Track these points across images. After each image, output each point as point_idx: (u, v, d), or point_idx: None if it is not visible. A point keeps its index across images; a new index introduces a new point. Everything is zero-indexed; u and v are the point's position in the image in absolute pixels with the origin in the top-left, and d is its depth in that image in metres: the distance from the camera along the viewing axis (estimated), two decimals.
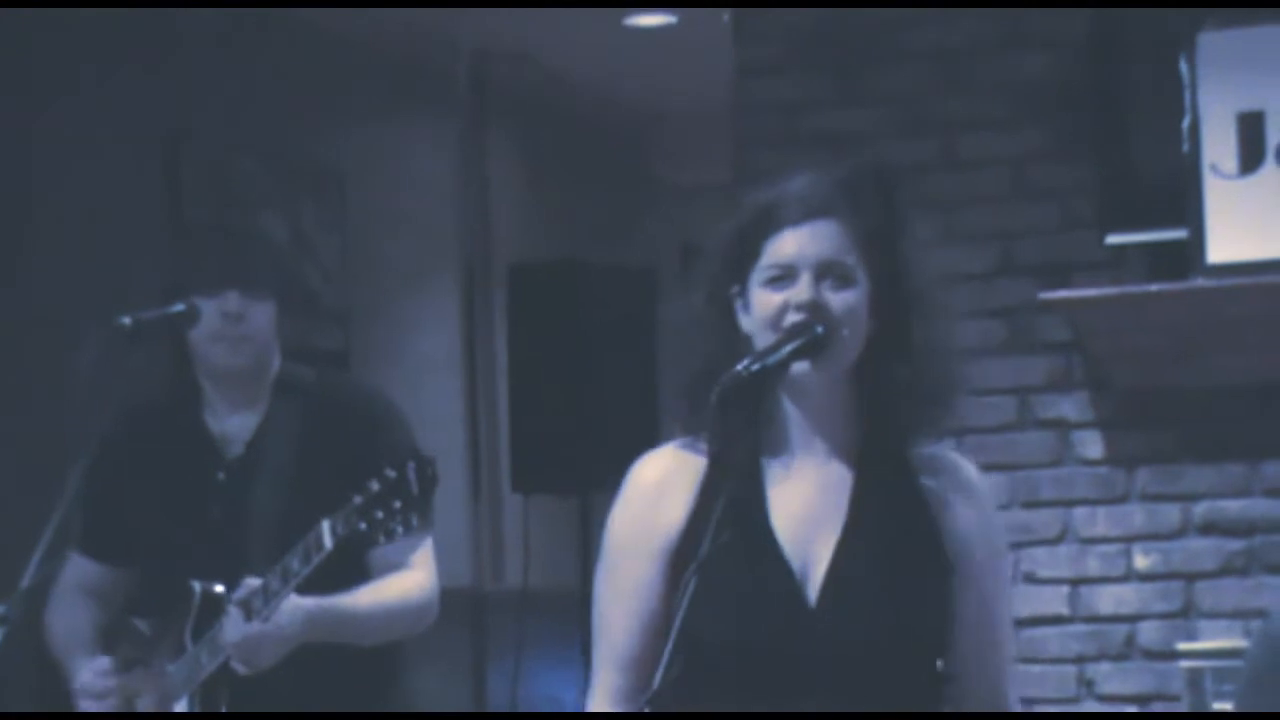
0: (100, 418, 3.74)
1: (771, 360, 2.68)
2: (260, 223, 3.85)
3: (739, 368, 2.67)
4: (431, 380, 7.16)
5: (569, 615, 6.50)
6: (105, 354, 3.56)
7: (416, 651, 3.82)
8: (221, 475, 3.71)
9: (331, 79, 6.89)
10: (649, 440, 6.66)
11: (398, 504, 3.33)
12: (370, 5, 6.48)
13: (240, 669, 3.50)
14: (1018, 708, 2.85)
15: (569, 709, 6.68)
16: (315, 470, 3.66)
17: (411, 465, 3.33)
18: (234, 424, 3.73)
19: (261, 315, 3.69)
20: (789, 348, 2.70)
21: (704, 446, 2.79)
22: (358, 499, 3.35)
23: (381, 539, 3.38)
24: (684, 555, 2.73)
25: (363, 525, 3.35)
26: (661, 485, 2.82)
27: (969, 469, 2.85)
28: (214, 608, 3.60)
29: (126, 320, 3.59)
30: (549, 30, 6.94)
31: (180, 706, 3.65)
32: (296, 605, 3.46)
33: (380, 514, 3.33)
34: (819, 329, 2.71)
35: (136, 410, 3.82)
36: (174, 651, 3.67)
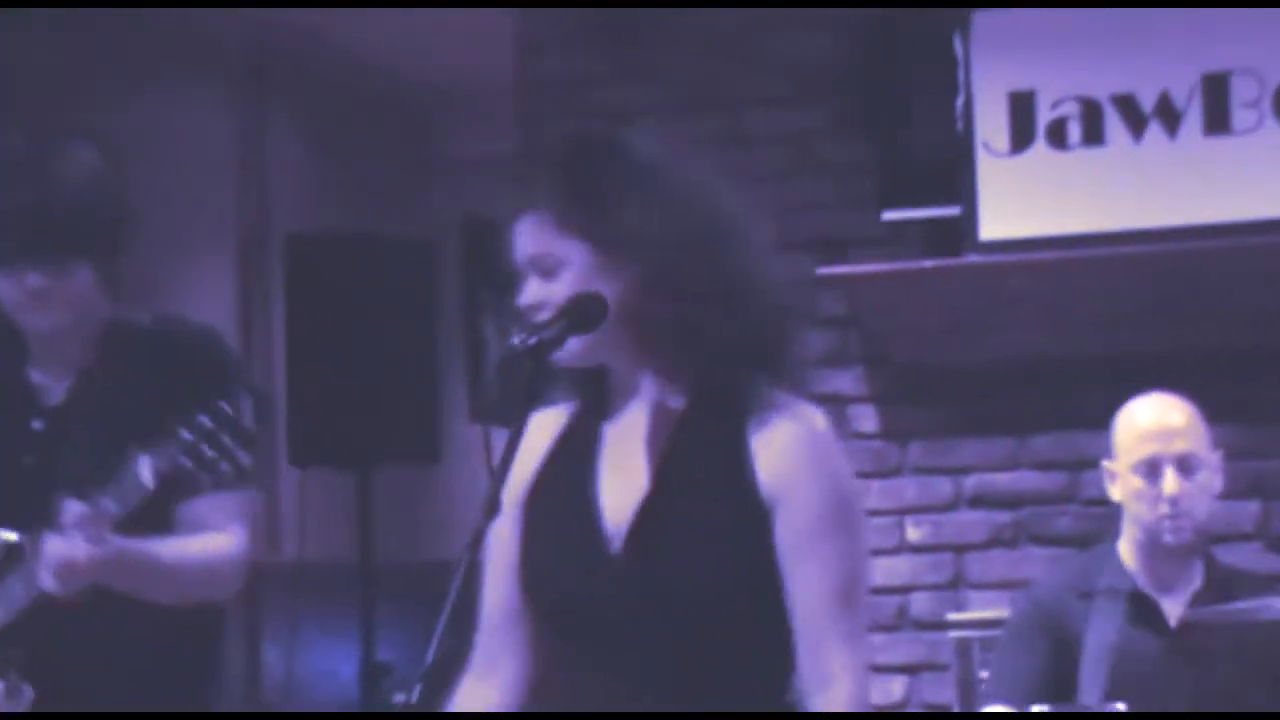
0: None
1: (547, 334, 2.73)
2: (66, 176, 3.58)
3: (515, 340, 2.73)
4: None
5: (346, 589, 6.49)
6: None
7: None
8: (38, 424, 3.60)
9: (107, 48, 6.79)
10: (428, 414, 6.67)
11: (227, 439, 3.17)
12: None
13: (52, 586, 3.35)
14: (861, 634, 2.82)
15: (346, 683, 6.65)
16: (142, 411, 3.48)
17: (247, 397, 3.19)
18: (57, 373, 3.62)
19: (75, 284, 3.53)
20: (561, 324, 2.74)
21: (565, 403, 2.87)
22: (184, 433, 3.18)
23: (206, 478, 3.20)
24: (531, 507, 2.83)
25: (186, 461, 3.19)
26: (531, 440, 2.84)
27: (798, 413, 2.81)
28: (10, 557, 3.48)
29: None
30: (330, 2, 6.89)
31: None
32: (110, 536, 3.33)
33: (208, 450, 3.16)
34: (593, 306, 2.75)
35: None
36: None
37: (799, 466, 2.78)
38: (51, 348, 3.62)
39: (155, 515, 3.43)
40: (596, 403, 2.87)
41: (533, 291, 2.81)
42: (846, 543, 2.80)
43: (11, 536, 3.48)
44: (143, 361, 3.57)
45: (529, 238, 2.82)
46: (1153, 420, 4.33)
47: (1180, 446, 4.28)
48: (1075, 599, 4.37)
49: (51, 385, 3.63)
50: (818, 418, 2.82)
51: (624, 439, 2.85)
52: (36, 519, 3.46)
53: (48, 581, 3.34)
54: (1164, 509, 4.27)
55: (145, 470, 3.25)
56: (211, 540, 3.52)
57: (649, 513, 2.79)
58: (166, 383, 3.51)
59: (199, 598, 3.55)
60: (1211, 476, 4.34)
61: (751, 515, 2.77)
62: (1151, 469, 4.29)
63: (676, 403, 2.83)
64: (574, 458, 2.87)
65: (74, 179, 3.54)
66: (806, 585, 2.76)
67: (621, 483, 2.83)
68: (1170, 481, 4.26)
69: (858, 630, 2.81)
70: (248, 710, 6.96)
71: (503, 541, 2.84)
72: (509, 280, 2.87)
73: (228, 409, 3.18)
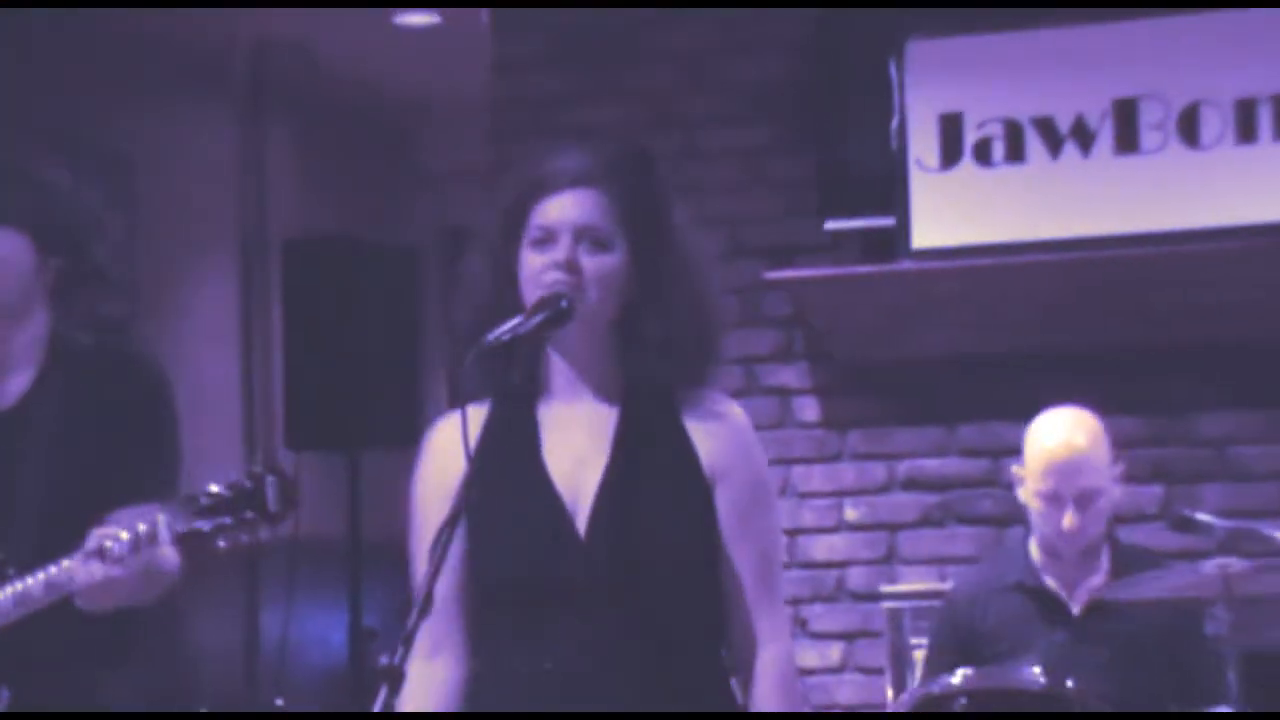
0: None
1: (522, 329, 2.80)
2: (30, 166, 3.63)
3: (489, 336, 2.78)
4: (211, 348, 7.20)
5: (337, 562, 6.63)
6: None
7: (193, 593, 3.75)
8: None
9: (117, 66, 6.84)
10: (411, 403, 6.88)
11: (249, 514, 3.17)
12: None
13: (86, 605, 3.33)
14: (783, 598, 3.00)
15: (337, 649, 6.79)
16: (82, 433, 3.49)
17: (272, 480, 3.16)
18: (3, 381, 3.57)
19: (9, 244, 3.51)
20: (537, 319, 2.81)
21: (485, 405, 2.90)
22: (204, 499, 3.18)
23: (220, 543, 3.20)
24: (477, 500, 2.80)
25: (205, 525, 3.19)
26: (448, 441, 2.90)
27: (727, 405, 2.97)
28: None
29: None
30: (323, 25, 6.96)
31: None
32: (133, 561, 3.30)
33: (229, 520, 3.17)
34: (564, 303, 2.83)
35: None
36: None
37: (733, 449, 2.93)
38: None
39: (82, 519, 3.34)
40: (523, 395, 2.91)
41: (571, 251, 2.86)
42: (772, 518, 2.98)
43: None
44: (86, 383, 3.53)
45: (587, 208, 2.88)
46: (1058, 452, 4.44)
47: (1081, 483, 4.42)
48: (989, 595, 4.56)
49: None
50: (740, 410, 3.00)
51: (565, 427, 2.92)
52: None
53: (84, 603, 3.30)
54: (1063, 533, 4.46)
55: (163, 530, 3.22)
56: (169, 553, 3.44)
57: (610, 491, 2.87)
58: (106, 408, 3.50)
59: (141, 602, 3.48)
60: (1110, 494, 4.49)
61: (700, 490, 2.91)
62: (1054, 499, 4.45)
63: (614, 396, 2.93)
64: (514, 447, 2.89)
65: (37, 176, 3.60)
66: (745, 555, 2.91)
67: (571, 466, 2.89)
68: (1069, 519, 4.43)
69: (782, 595, 2.99)
70: (248, 694, 7.06)
71: (430, 534, 2.82)
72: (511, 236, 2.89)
73: (249, 484, 3.17)
